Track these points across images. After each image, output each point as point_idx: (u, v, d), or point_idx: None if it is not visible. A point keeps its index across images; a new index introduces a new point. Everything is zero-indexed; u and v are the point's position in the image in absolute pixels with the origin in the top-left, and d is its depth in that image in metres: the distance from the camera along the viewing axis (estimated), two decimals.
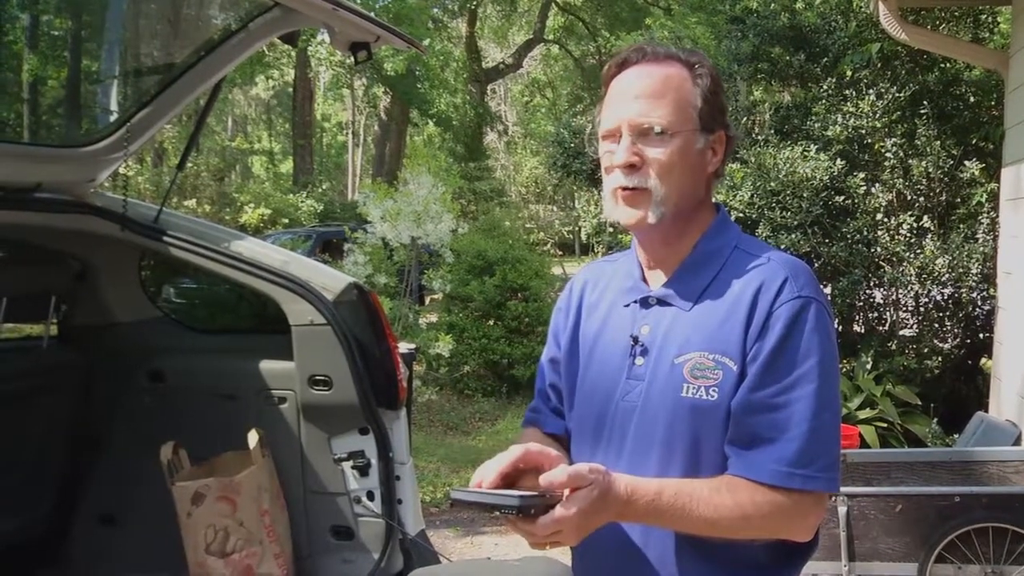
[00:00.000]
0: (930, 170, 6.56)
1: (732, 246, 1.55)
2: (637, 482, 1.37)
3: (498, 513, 1.26)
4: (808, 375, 1.42)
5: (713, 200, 1.62)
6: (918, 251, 6.48)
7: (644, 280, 1.60)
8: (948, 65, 7.08)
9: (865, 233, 6.60)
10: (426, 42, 19.83)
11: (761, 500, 1.40)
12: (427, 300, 13.74)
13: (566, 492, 1.30)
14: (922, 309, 6.82)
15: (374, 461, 3.15)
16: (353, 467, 3.16)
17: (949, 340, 6.80)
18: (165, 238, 3.20)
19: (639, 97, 1.49)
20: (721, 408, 1.44)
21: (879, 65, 7.05)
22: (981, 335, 6.79)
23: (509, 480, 1.35)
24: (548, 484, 1.29)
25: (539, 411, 1.75)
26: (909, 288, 6.62)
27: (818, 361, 1.43)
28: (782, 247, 6.09)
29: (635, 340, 1.54)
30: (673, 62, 1.53)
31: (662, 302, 1.55)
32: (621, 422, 1.52)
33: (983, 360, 6.99)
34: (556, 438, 1.68)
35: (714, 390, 1.44)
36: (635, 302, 1.58)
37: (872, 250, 6.62)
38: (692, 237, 1.56)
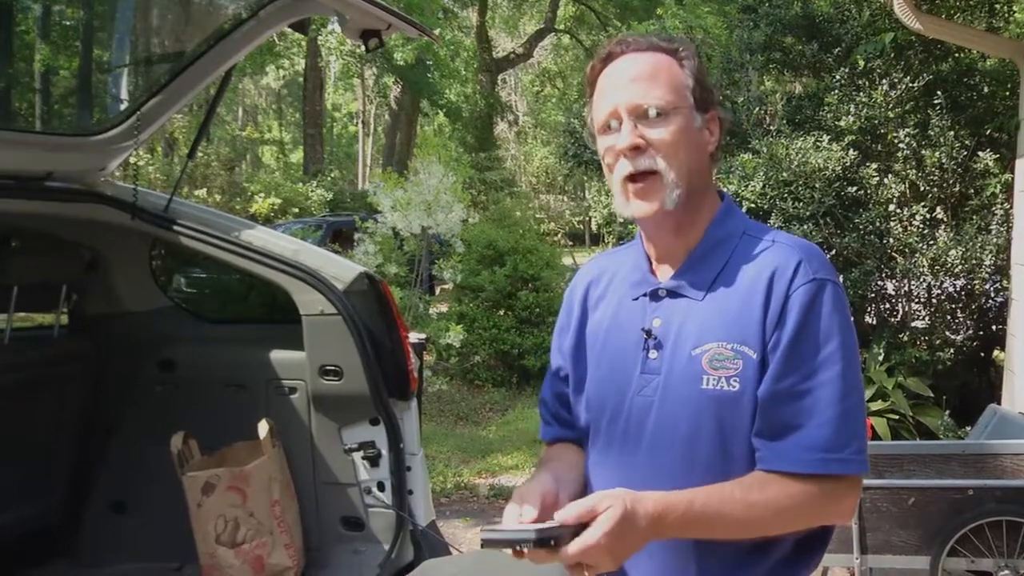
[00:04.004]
0: (943, 161, 6.50)
1: (740, 232, 1.54)
2: (668, 497, 1.36)
3: (519, 547, 1.29)
4: (831, 358, 1.41)
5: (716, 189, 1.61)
6: (931, 242, 6.43)
7: (652, 272, 1.58)
8: (962, 55, 7.01)
9: (877, 224, 6.55)
10: (436, 31, 19.77)
11: (795, 491, 1.39)
12: (437, 290, 13.73)
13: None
14: (935, 301, 6.78)
15: (385, 452, 3.15)
16: (364, 458, 3.16)
17: (962, 332, 6.75)
18: (176, 227, 3.20)
19: (633, 80, 1.50)
20: (744, 397, 1.42)
21: (892, 55, 6.98)
22: (994, 327, 6.74)
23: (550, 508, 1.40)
24: (564, 522, 1.31)
25: (551, 423, 1.72)
26: (922, 279, 6.57)
27: (840, 343, 1.43)
28: None
29: (647, 333, 1.52)
30: (656, 51, 1.54)
31: (673, 293, 1.53)
32: (637, 417, 1.50)
33: (996, 352, 6.94)
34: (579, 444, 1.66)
35: (735, 380, 1.43)
36: (644, 295, 1.56)
37: (884, 241, 6.58)
38: (701, 225, 1.55)
